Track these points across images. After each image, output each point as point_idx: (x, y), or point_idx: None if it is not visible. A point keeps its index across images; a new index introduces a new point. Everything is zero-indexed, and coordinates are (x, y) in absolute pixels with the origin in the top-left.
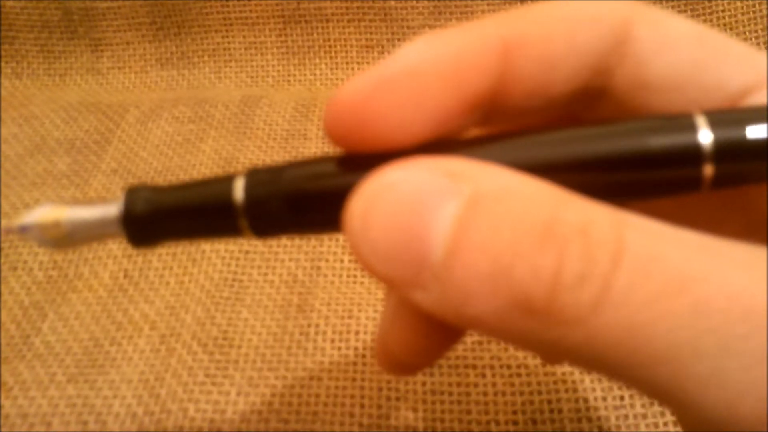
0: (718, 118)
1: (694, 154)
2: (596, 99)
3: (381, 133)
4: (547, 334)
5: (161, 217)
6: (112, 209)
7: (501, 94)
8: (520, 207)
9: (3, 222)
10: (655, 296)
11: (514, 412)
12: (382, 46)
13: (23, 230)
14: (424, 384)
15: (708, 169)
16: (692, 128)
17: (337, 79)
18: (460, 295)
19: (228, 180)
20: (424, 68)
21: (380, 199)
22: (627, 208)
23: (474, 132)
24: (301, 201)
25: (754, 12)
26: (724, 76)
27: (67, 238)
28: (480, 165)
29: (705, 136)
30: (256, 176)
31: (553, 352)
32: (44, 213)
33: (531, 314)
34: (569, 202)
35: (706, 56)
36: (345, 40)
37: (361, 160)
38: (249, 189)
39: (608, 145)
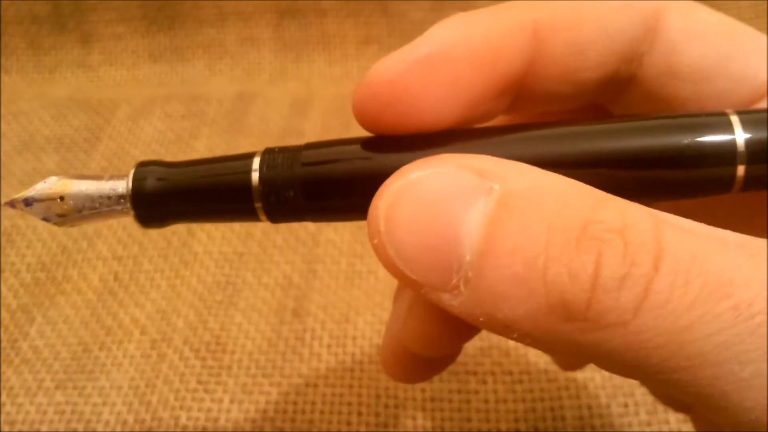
0: (751, 118)
1: (728, 154)
2: (624, 88)
3: (413, 115)
4: (584, 338)
5: (172, 196)
6: (121, 185)
7: (530, 79)
8: (553, 207)
9: (4, 196)
10: (696, 299)
11: (516, 420)
12: (381, 42)
13: (27, 204)
14: (423, 391)
15: (741, 170)
16: (728, 128)
17: (334, 74)
18: (491, 299)
19: (245, 160)
20: (458, 49)
21: (405, 197)
22: (655, 208)
23: (501, 120)
24: (320, 185)
25: (758, 9)
26: (751, 68)
27: (72, 214)
28: (509, 162)
29: (740, 137)
30: (272, 157)
31: (585, 356)
32: (49, 186)
33: (567, 318)
34: (605, 201)
35: (734, 48)
36: (343, 35)
37: (384, 142)
38: (264, 171)
39: (639, 141)
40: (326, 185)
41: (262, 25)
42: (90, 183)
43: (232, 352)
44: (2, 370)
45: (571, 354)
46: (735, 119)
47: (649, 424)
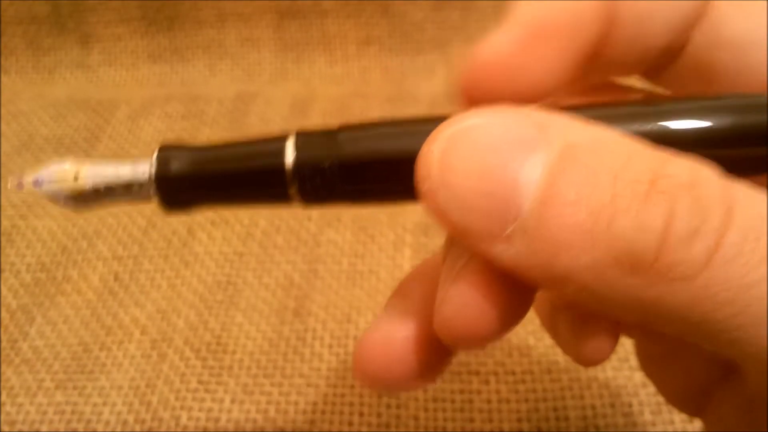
0: None
1: (762, 135)
2: (672, 59)
3: (522, 87)
4: (646, 293)
5: (199, 181)
6: (142, 168)
7: (601, 48)
8: (619, 159)
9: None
10: (766, 256)
11: (519, 420)
12: (382, 42)
13: (37, 184)
14: (425, 391)
15: None
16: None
17: (335, 75)
18: (551, 248)
19: (276, 142)
20: (555, 22)
21: (463, 141)
22: None
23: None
24: (360, 167)
25: None
26: None
27: (87, 197)
28: (568, 117)
29: None
30: (306, 139)
31: (642, 314)
32: (62, 167)
33: (633, 270)
34: (672, 157)
35: None
36: (343, 35)
37: (422, 122)
38: (299, 154)
39: (680, 122)
40: (366, 167)
41: (263, 26)
42: (107, 165)
43: (233, 352)
44: (2, 370)
45: (627, 312)
46: None
47: (653, 424)
